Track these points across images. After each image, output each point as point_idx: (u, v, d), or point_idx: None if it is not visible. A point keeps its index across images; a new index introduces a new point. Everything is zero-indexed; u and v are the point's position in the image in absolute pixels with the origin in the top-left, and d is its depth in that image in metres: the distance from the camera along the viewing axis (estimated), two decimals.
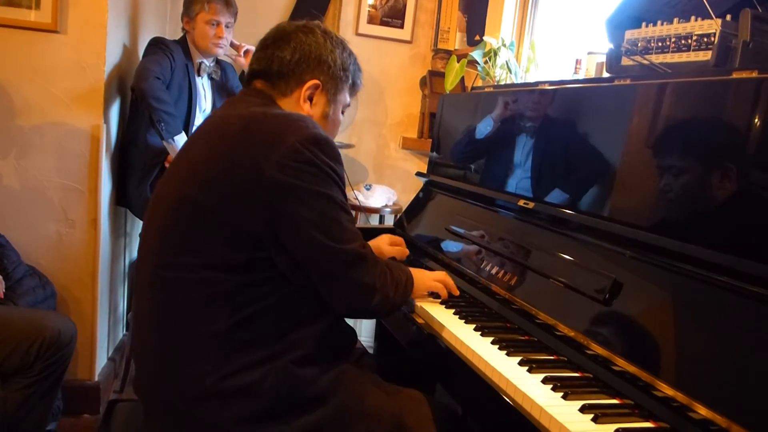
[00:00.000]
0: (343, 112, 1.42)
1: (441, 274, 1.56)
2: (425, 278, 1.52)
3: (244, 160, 1.15)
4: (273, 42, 1.33)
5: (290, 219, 1.16)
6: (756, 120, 1.05)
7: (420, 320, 1.47)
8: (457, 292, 1.54)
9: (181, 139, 2.41)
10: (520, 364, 1.17)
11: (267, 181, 1.14)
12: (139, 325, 1.28)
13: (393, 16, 3.30)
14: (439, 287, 1.52)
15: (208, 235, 1.17)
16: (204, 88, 2.70)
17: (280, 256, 1.19)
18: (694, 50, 1.35)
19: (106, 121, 2.36)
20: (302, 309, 1.24)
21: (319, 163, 1.17)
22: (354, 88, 1.42)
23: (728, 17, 1.30)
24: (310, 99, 1.33)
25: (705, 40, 1.33)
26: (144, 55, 2.53)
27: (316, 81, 1.32)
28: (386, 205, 3.08)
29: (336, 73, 1.35)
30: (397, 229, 2.15)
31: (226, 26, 2.60)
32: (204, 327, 1.16)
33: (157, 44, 2.51)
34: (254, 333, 1.18)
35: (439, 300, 1.55)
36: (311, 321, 1.25)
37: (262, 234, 1.16)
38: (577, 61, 2.21)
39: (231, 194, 1.16)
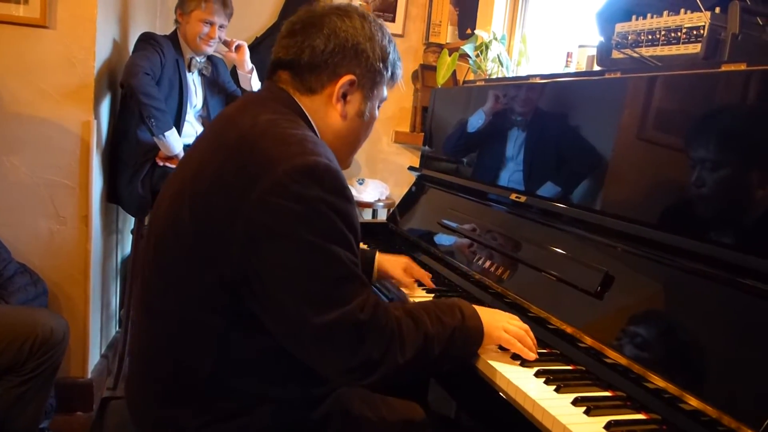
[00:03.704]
0: (378, 107, 1.24)
1: (516, 323, 1.22)
2: (494, 327, 1.18)
3: (228, 189, 1.00)
4: (303, 28, 1.13)
5: (260, 271, 0.98)
6: (745, 112, 1.05)
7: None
8: (533, 356, 1.17)
9: (171, 135, 2.40)
10: (513, 357, 1.18)
11: (243, 221, 0.97)
12: (133, 344, 1.21)
13: (384, 10, 3.29)
14: (512, 343, 1.17)
15: (193, 269, 1.03)
16: (195, 83, 2.69)
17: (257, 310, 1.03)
18: (683, 43, 1.36)
19: (97, 117, 2.35)
20: (293, 357, 1.05)
21: (310, 199, 0.97)
22: (393, 80, 1.23)
23: (717, 10, 1.30)
24: (344, 97, 1.15)
25: (694, 32, 1.33)
26: (134, 51, 2.51)
27: (351, 76, 1.13)
28: (379, 200, 3.08)
29: (374, 65, 1.15)
30: (390, 223, 2.15)
31: (220, 27, 2.58)
32: (186, 371, 1.07)
33: (146, 40, 2.49)
34: (240, 381, 1.07)
35: (432, 296, 1.55)
36: (301, 364, 1.06)
37: (237, 281, 1.00)
38: (568, 55, 2.21)
39: (212, 226, 1.01)
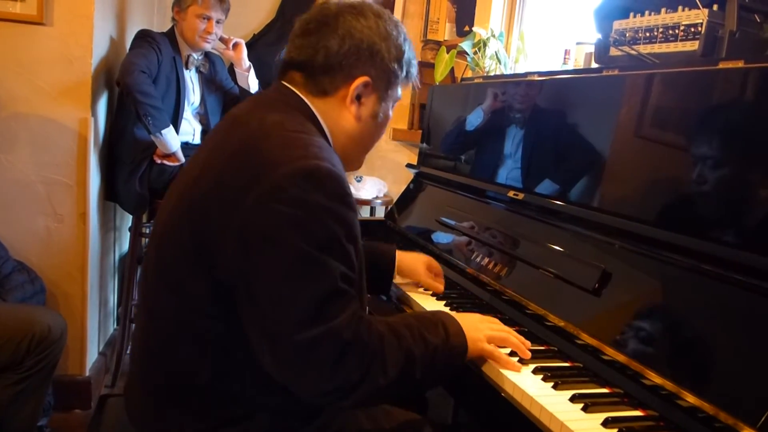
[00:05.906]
0: (392, 107, 1.21)
1: (498, 327, 1.19)
2: (476, 339, 1.14)
3: (226, 191, 0.98)
4: (317, 27, 1.10)
5: (246, 273, 0.95)
6: (743, 109, 1.06)
7: (409, 311, 1.47)
8: (527, 355, 1.16)
9: (168, 132, 2.39)
10: (511, 354, 1.17)
11: (238, 222, 0.95)
12: (134, 345, 1.20)
13: (382, 7, 3.29)
14: (496, 355, 1.14)
15: (190, 272, 1.01)
16: (192, 81, 2.68)
17: None
18: (681, 40, 1.36)
19: (94, 114, 2.34)
20: None
21: (310, 204, 0.94)
22: (408, 79, 1.19)
23: (715, 7, 1.30)
24: (358, 98, 1.12)
25: (692, 30, 1.33)
26: (130, 49, 2.50)
27: (366, 78, 1.10)
28: (377, 197, 3.08)
29: (389, 66, 1.13)
30: (388, 220, 2.15)
31: (217, 22, 2.58)
32: (184, 377, 1.05)
33: (143, 37, 2.48)
34: (238, 388, 1.05)
35: (430, 292, 1.55)
36: None
37: (231, 287, 0.98)
38: (566, 52, 2.21)
39: (209, 227, 0.99)
